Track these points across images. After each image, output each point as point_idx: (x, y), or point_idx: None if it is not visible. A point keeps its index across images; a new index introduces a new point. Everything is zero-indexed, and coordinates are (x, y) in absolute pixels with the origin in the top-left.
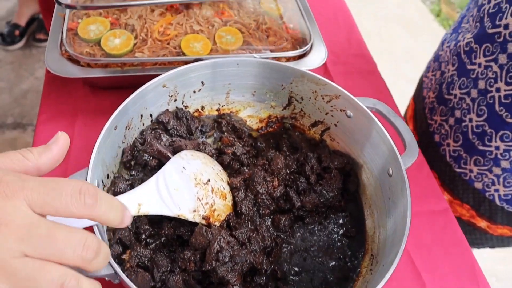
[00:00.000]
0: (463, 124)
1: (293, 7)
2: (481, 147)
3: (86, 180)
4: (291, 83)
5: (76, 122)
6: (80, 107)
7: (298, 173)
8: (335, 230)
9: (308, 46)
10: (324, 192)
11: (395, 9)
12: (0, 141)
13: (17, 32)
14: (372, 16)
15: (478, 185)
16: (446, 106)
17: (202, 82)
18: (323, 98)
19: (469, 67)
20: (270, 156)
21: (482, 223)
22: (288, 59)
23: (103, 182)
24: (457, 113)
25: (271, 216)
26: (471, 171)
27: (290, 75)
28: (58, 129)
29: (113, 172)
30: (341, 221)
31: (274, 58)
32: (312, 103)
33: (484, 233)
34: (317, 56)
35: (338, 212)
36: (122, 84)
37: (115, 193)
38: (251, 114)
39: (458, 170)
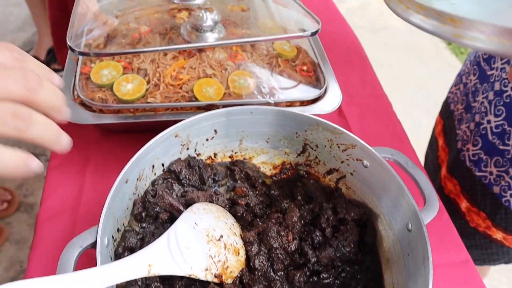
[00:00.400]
0: (481, 127)
1: (307, 47)
2: (501, 147)
3: (96, 237)
4: (305, 130)
5: (87, 169)
6: (91, 152)
7: (313, 225)
8: (351, 285)
9: (322, 90)
10: (341, 246)
11: (407, 38)
12: None
13: None
14: (383, 45)
15: (496, 189)
16: (470, 113)
17: (215, 130)
18: (338, 147)
19: (489, 73)
20: (284, 207)
21: (498, 235)
22: (302, 102)
23: (113, 237)
24: (477, 118)
25: (285, 271)
26: (491, 173)
27: (305, 123)
28: (69, 176)
29: (123, 225)
30: (358, 275)
31: (287, 102)
32: (328, 151)
33: (500, 246)
34: (332, 100)
35: (355, 265)
36: (134, 128)
37: (125, 249)
38: (265, 161)
39: (478, 174)
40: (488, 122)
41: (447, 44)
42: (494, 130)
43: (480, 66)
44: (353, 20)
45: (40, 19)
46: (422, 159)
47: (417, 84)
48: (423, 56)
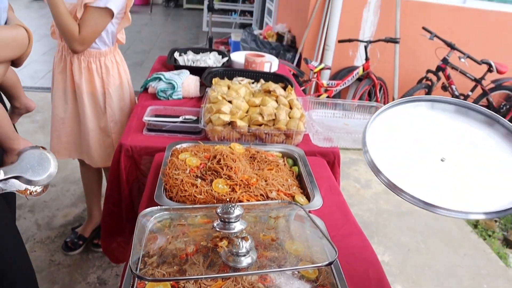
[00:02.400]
0: None
1: (327, 269)
2: None
3: None
4: None
5: None
6: None
7: None
8: None
9: None
10: None
11: (432, 222)
12: None
13: (80, 242)
14: (409, 230)
15: None
16: None
17: None
18: None
19: None
20: None
21: None
22: None
23: None
24: None
25: None
26: None
27: None
28: None
29: None
30: None
31: None
32: None
33: None
34: None
35: None
36: None
37: None
38: None
39: None
40: None
41: (472, 227)
42: None
43: None
44: (379, 205)
45: (92, 204)
46: None
47: (446, 270)
48: (450, 240)
